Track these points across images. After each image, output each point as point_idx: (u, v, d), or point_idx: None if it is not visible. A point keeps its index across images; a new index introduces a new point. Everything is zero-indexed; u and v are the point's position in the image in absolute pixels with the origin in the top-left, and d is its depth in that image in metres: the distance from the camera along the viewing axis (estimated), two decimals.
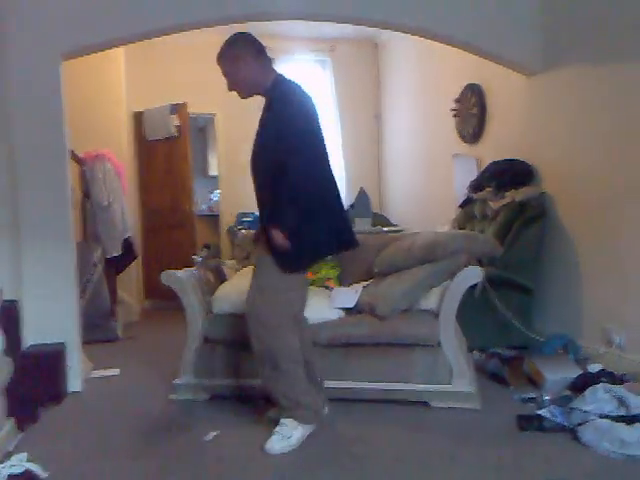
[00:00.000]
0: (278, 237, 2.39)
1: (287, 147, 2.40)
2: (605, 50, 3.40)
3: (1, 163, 3.10)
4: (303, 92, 2.57)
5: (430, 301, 3.05)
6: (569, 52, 3.70)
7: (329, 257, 3.59)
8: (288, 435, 2.47)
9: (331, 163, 2.62)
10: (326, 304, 3.22)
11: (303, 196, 2.42)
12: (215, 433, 2.65)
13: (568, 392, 2.86)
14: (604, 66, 3.40)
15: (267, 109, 2.56)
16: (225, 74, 2.59)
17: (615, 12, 3.30)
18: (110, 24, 3.33)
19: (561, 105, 3.81)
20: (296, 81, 2.62)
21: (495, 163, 4.28)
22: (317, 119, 2.55)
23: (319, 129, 2.55)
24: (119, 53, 5.40)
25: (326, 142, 2.59)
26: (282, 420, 2.52)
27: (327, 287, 3.48)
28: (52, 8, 3.24)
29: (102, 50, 3.71)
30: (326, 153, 2.57)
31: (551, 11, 3.80)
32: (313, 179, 2.46)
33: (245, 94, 2.60)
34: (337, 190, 2.62)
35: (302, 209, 2.41)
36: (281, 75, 2.60)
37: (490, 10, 3.73)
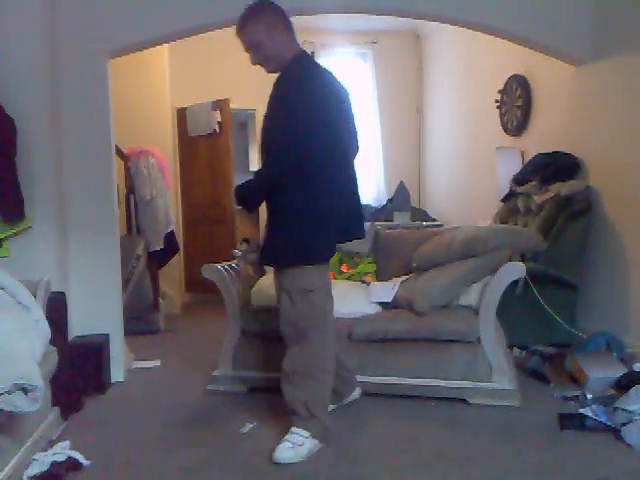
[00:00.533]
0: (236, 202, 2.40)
1: (278, 143, 2.28)
2: None
3: (48, 159, 3.20)
4: (323, 77, 2.36)
5: (470, 297, 3.00)
6: (619, 41, 3.57)
7: (361, 252, 3.59)
8: (299, 443, 2.35)
9: (347, 156, 2.51)
10: (363, 299, 3.21)
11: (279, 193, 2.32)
12: (251, 425, 2.68)
13: (612, 391, 2.77)
14: None
15: (276, 85, 2.35)
16: (252, 46, 2.33)
17: None
18: (156, 22, 3.38)
19: (610, 96, 3.67)
20: (325, 67, 2.43)
21: (540, 156, 4.18)
22: (329, 111, 2.31)
23: (329, 121, 2.31)
24: (163, 50, 5.48)
25: (341, 134, 2.40)
26: (294, 429, 2.40)
27: (364, 282, 3.47)
28: (100, 7, 3.32)
29: (148, 47, 3.77)
30: (335, 146, 2.36)
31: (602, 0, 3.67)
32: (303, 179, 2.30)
33: (273, 68, 2.38)
34: (349, 188, 2.51)
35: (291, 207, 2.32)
36: (305, 52, 2.42)
37: None
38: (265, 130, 2.41)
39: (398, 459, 2.32)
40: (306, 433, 2.38)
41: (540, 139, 4.47)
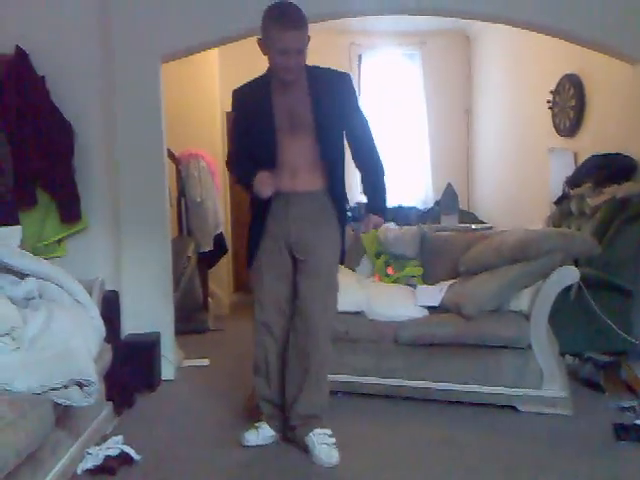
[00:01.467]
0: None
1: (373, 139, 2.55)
2: None
3: (103, 161, 3.31)
4: None
5: (521, 302, 2.94)
6: None
7: (407, 255, 3.60)
8: (334, 442, 2.40)
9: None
10: (411, 302, 3.19)
11: None
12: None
13: None
14: None
15: (327, 86, 2.45)
16: (302, 48, 2.33)
17: None
18: (207, 26, 3.44)
19: None
20: None
21: (594, 157, 4.05)
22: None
23: None
24: (214, 54, 5.58)
25: None
26: (322, 430, 2.43)
27: (411, 285, 3.44)
28: (152, 12, 3.41)
29: (199, 52, 3.85)
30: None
31: None
32: None
33: (295, 77, 2.40)
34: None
35: None
36: None
37: None
38: (344, 118, 2.49)
39: (443, 466, 2.29)
40: (329, 431, 2.45)
41: (594, 140, 4.34)
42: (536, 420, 2.71)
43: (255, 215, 2.57)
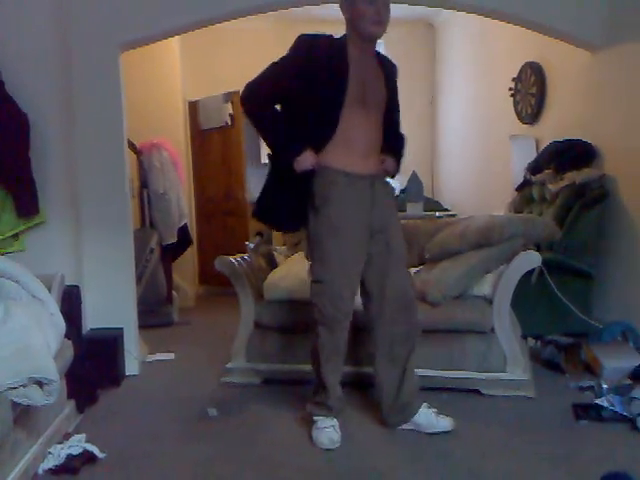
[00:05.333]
0: None
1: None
2: None
3: (61, 153, 3.22)
4: None
5: (484, 287, 2.98)
6: (634, 26, 3.50)
7: None
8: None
9: None
10: None
11: None
12: (215, 410, 2.74)
13: (628, 381, 2.74)
14: None
15: (387, 63, 2.47)
16: (388, 9, 2.29)
17: None
18: (167, 14, 3.36)
19: (626, 82, 3.61)
20: None
21: (554, 143, 4.12)
22: None
23: None
24: (175, 42, 5.48)
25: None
26: (424, 405, 2.49)
27: None
28: (110, 1, 3.32)
29: (159, 40, 3.77)
30: None
31: None
32: None
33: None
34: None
35: None
36: None
37: None
38: (393, 102, 2.49)
39: (413, 452, 2.32)
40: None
41: (555, 127, 4.41)
42: (500, 403, 2.76)
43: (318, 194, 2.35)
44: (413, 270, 3.31)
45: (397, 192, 6.24)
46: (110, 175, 3.43)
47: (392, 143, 2.52)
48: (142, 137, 4.83)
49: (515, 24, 3.83)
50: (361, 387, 2.91)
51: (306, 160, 2.30)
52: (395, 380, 2.47)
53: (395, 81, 2.51)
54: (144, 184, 4.85)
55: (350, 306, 2.37)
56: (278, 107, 2.42)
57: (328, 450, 2.34)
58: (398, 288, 2.41)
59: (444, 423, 2.45)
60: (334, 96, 2.25)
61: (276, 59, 2.37)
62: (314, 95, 2.25)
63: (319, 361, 2.45)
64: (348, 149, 2.31)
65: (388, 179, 2.58)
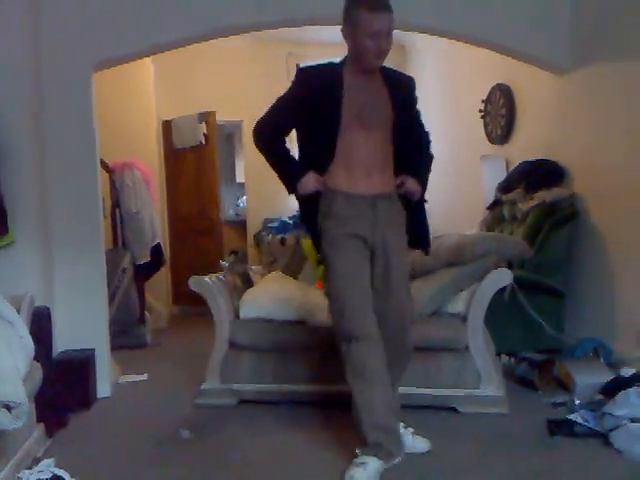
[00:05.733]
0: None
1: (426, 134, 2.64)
2: (630, 48, 3.33)
3: (32, 172, 3.17)
4: None
5: (457, 304, 3.01)
6: (596, 50, 3.62)
7: None
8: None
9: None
10: None
11: None
12: (188, 432, 2.68)
13: (600, 396, 2.78)
14: (631, 63, 3.33)
15: (395, 82, 2.47)
16: (391, 31, 2.30)
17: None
18: (140, 35, 3.37)
19: (591, 104, 3.72)
20: None
21: (524, 163, 4.22)
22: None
23: None
24: (149, 61, 5.48)
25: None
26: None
27: None
28: (83, 19, 3.30)
29: (133, 60, 3.77)
30: None
31: (580, 9, 3.72)
32: None
33: (381, 63, 2.41)
34: None
35: None
36: None
37: (519, 9, 3.66)
38: (404, 118, 2.44)
39: (390, 470, 2.30)
40: None
41: (524, 147, 4.51)
42: (475, 420, 2.77)
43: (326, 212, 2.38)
44: None
45: None
46: (82, 194, 3.39)
47: (412, 162, 2.48)
48: (115, 156, 4.80)
49: (483, 47, 3.93)
50: (329, 406, 2.90)
51: (308, 182, 2.36)
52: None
53: (408, 97, 2.51)
54: (116, 203, 4.80)
55: (367, 319, 2.31)
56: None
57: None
58: (396, 311, 2.41)
59: (421, 445, 2.44)
60: (329, 119, 2.32)
61: (282, 93, 2.48)
62: (313, 122, 2.36)
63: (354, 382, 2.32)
64: (348, 170, 2.35)
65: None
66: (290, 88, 2.45)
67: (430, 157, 2.61)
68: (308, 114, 2.36)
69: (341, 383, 2.88)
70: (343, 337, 2.31)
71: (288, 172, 2.46)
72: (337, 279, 2.34)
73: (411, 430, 2.47)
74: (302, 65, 2.47)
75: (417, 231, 2.52)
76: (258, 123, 2.51)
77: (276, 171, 2.50)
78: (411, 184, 2.42)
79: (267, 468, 2.37)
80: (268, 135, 2.49)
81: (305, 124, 2.40)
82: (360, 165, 2.35)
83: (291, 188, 2.43)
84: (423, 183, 2.51)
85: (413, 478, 2.24)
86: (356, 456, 2.24)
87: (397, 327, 2.40)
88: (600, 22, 3.59)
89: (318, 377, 3.02)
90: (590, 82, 3.71)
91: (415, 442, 2.43)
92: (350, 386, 2.31)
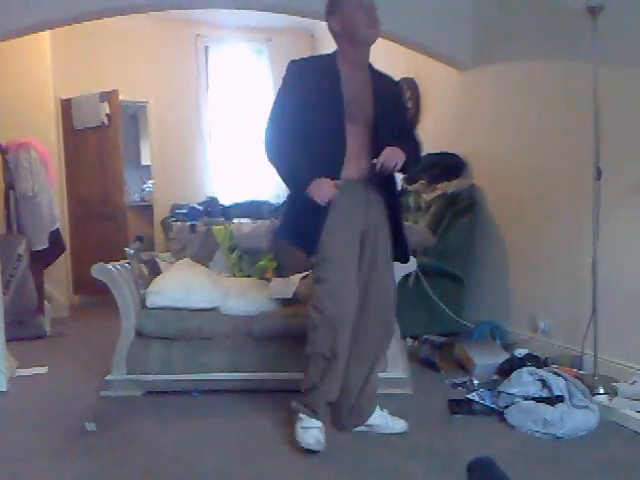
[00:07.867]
0: None
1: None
2: (521, 50, 3.58)
3: None
4: None
5: None
6: (494, 50, 3.84)
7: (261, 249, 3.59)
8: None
9: None
10: (264, 295, 3.22)
11: None
12: (94, 424, 2.62)
13: (496, 376, 2.98)
14: (521, 65, 3.57)
15: (380, 78, 2.49)
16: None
17: (532, 17, 3.45)
18: (37, 7, 3.17)
19: (488, 100, 3.94)
20: None
21: (429, 155, 4.37)
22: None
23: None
24: (44, 36, 5.14)
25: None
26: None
27: (266, 279, 3.47)
28: None
29: (28, 34, 3.54)
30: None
31: (480, 10, 3.91)
32: None
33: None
34: None
35: None
36: None
37: (425, 5, 3.79)
38: (394, 114, 2.44)
39: (302, 454, 2.34)
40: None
41: (429, 140, 4.64)
42: (380, 401, 2.83)
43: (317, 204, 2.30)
44: (299, 275, 3.37)
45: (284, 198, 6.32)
46: None
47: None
48: (8, 135, 4.51)
49: (389, 40, 4.03)
50: (242, 392, 2.92)
51: (327, 191, 2.27)
52: (361, 380, 2.49)
53: (392, 100, 2.48)
54: (10, 185, 4.51)
55: (352, 305, 2.34)
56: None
57: (311, 451, 2.29)
58: (380, 292, 2.45)
59: (399, 425, 2.53)
60: (333, 111, 2.29)
61: (275, 93, 2.42)
62: (314, 114, 2.30)
63: (316, 365, 2.36)
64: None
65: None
66: (285, 84, 2.39)
67: (420, 154, 2.63)
68: (308, 106, 2.31)
69: (254, 370, 2.92)
70: (326, 321, 2.29)
71: (302, 184, 2.32)
72: (332, 263, 2.33)
73: (387, 411, 2.56)
74: (295, 59, 2.44)
75: (397, 245, 2.53)
76: (265, 135, 2.42)
77: (288, 185, 2.43)
78: (387, 151, 2.30)
79: (177, 458, 2.34)
80: (278, 146, 2.39)
81: (308, 118, 2.32)
82: (351, 152, 2.35)
83: (301, 194, 2.30)
84: (416, 156, 2.53)
85: (319, 460, 2.29)
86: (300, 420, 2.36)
87: (383, 307, 2.45)
88: (497, 24, 3.80)
89: (231, 365, 3.02)
90: (487, 79, 3.93)
91: (393, 423, 2.53)
92: (309, 358, 2.37)
